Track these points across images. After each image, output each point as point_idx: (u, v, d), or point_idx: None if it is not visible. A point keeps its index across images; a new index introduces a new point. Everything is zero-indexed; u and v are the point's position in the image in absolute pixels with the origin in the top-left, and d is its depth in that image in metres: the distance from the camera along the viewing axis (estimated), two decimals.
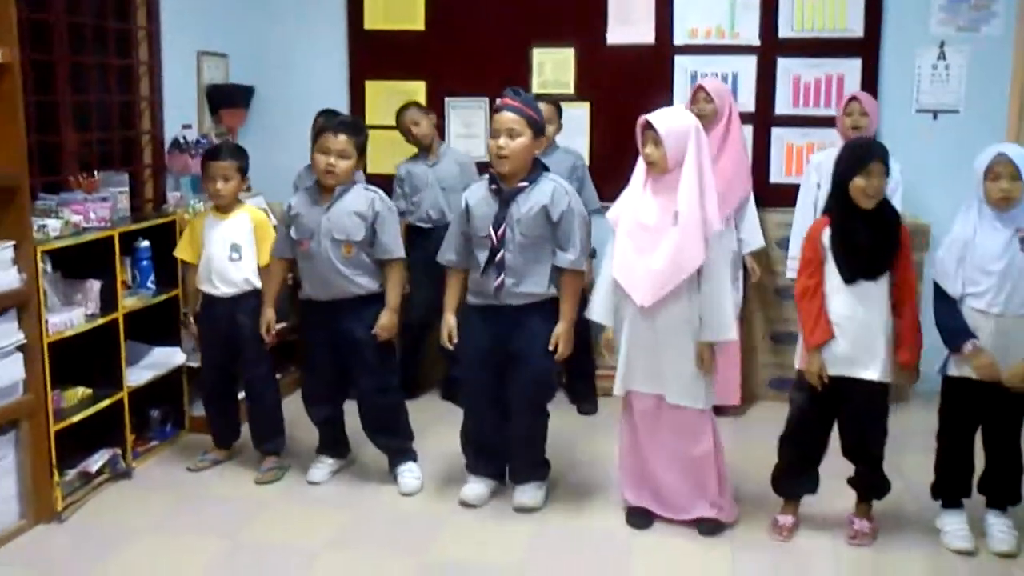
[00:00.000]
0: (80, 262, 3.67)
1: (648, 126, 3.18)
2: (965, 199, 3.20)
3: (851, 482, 3.35)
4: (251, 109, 5.30)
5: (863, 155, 3.12)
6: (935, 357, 3.26)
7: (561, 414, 4.56)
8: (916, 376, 3.21)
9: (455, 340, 3.53)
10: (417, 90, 5.15)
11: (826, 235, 3.18)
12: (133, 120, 4.56)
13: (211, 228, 3.84)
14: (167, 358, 4.13)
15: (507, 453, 3.61)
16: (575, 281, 3.43)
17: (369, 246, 3.62)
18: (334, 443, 3.90)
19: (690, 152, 3.16)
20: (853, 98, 4.42)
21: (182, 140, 4.66)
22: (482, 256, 3.40)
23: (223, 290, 3.81)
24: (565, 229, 3.37)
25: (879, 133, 4.71)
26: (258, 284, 3.83)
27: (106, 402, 3.72)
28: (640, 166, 3.28)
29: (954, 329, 3.14)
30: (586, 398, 4.67)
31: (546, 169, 3.46)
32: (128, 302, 3.86)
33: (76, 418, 3.57)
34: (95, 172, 3.99)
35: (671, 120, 3.18)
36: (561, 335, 3.41)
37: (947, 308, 3.17)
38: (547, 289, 3.40)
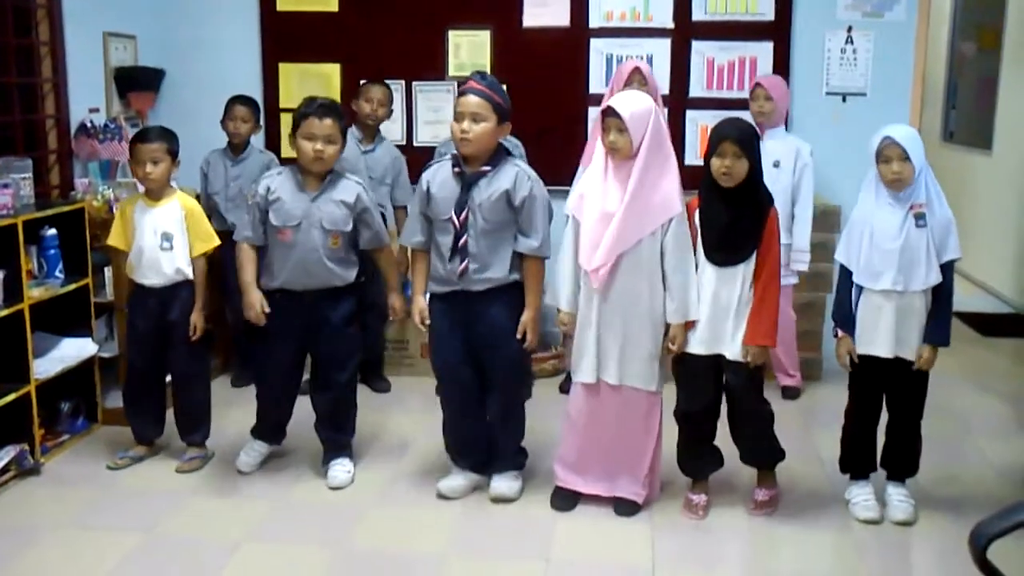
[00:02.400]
0: None
1: (611, 113, 3.18)
2: (866, 179, 3.30)
3: (742, 456, 3.44)
4: (161, 92, 5.18)
5: (714, 136, 3.19)
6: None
7: None
8: (763, 356, 3.26)
9: (428, 321, 3.48)
10: (332, 73, 5.10)
11: (696, 215, 3.27)
12: (36, 103, 4.41)
13: (141, 216, 3.71)
14: (78, 349, 4.02)
15: (487, 443, 3.58)
16: (538, 267, 3.42)
17: (352, 237, 3.58)
18: (273, 430, 3.83)
19: (648, 132, 3.17)
20: (758, 84, 4.50)
21: (89, 124, 4.53)
22: (444, 240, 3.37)
23: (154, 281, 3.70)
24: (527, 215, 3.36)
25: (790, 116, 4.83)
26: (190, 275, 3.72)
27: (11, 396, 3.61)
28: (599, 153, 3.27)
29: (839, 314, 3.32)
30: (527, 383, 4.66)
31: (509, 154, 3.44)
32: (34, 292, 3.74)
33: None
34: None
35: (633, 105, 3.18)
36: (528, 323, 3.40)
37: (841, 292, 3.32)
38: (508, 275, 3.38)
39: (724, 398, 3.36)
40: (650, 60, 4.97)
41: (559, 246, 3.42)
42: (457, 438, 3.60)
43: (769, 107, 4.43)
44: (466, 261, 3.34)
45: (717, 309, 3.23)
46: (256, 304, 3.56)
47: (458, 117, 3.30)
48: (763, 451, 3.41)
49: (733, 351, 3.24)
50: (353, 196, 3.55)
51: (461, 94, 3.33)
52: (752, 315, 3.21)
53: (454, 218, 3.33)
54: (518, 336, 3.40)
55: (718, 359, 3.28)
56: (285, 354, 3.68)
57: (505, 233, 3.37)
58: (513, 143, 4.48)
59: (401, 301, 3.70)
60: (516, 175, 3.35)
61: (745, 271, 3.21)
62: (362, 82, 4.68)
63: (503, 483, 3.54)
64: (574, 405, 3.45)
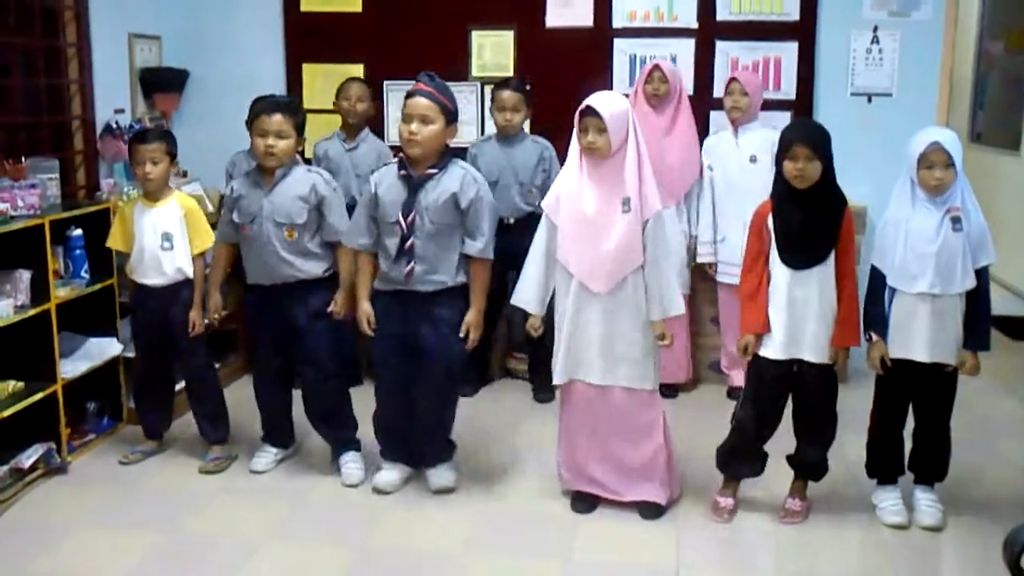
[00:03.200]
0: (8, 252, 3.57)
1: (589, 112, 3.16)
2: (899, 181, 3.26)
3: (791, 461, 3.41)
4: (186, 93, 5.20)
5: (784, 139, 3.18)
6: None
7: (518, 400, 4.64)
8: (846, 358, 3.26)
9: (374, 325, 3.49)
10: (355, 73, 5.08)
11: (770, 218, 3.23)
12: (62, 104, 4.44)
13: (141, 216, 3.75)
14: (103, 349, 4.05)
15: (415, 438, 3.61)
16: (484, 269, 3.45)
17: (315, 230, 3.59)
18: (278, 431, 3.86)
19: (631, 134, 3.17)
20: (733, 79, 4.47)
21: (115, 125, 4.56)
22: (391, 242, 3.38)
23: (156, 281, 3.74)
24: (473, 217, 3.38)
25: (815, 115, 4.79)
26: (191, 274, 3.75)
27: (39, 395, 3.64)
28: (574, 152, 3.26)
29: (872, 316, 3.26)
30: (543, 386, 4.66)
31: (456, 156, 3.45)
32: (61, 292, 3.77)
33: (7, 412, 3.48)
34: (23, 158, 3.88)
35: (611, 105, 3.17)
36: (472, 322, 3.43)
37: (873, 293, 3.27)
38: (455, 277, 3.41)
39: (793, 403, 3.33)
40: (674, 60, 4.94)
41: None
42: (390, 431, 3.62)
43: (745, 102, 4.41)
44: (412, 263, 3.35)
45: (794, 312, 3.20)
46: (216, 309, 3.74)
47: (406, 119, 3.32)
48: (818, 463, 3.37)
49: (815, 354, 3.20)
50: (308, 187, 3.56)
51: (409, 95, 3.34)
52: (841, 316, 3.18)
53: (401, 220, 3.34)
54: (461, 335, 3.41)
55: (791, 365, 3.24)
56: (266, 352, 3.73)
57: (451, 235, 3.39)
58: (543, 145, 4.48)
59: (344, 299, 3.66)
60: (463, 177, 3.37)
61: (822, 273, 3.18)
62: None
63: (441, 475, 3.59)
64: (563, 408, 3.46)
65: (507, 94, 4.47)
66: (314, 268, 3.60)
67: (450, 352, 3.44)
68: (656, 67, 4.41)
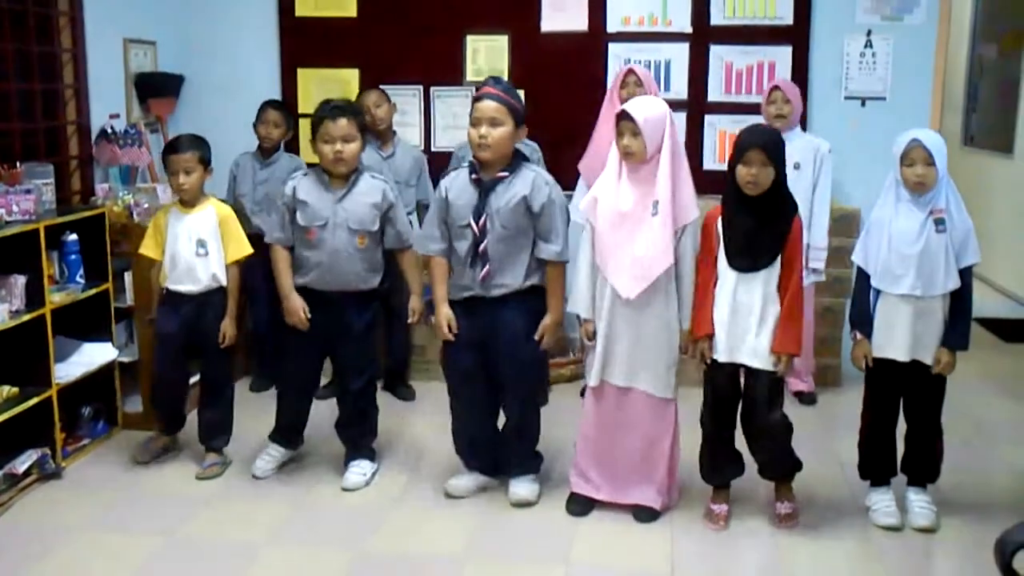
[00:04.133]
0: (4, 257, 3.57)
1: (625, 117, 3.17)
2: (884, 182, 3.28)
3: (759, 470, 3.41)
4: (181, 98, 5.20)
5: (740, 143, 3.17)
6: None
7: None
8: (788, 365, 3.23)
9: (455, 329, 3.43)
10: (350, 78, 5.11)
11: (719, 223, 3.24)
12: (57, 109, 4.44)
13: (176, 223, 3.74)
14: (98, 354, 4.04)
15: (498, 447, 3.59)
16: (560, 272, 3.42)
17: (380, 238, 3.60)
18: (291, 432, 3.85)
19: (666, 140, 3.18)
20: (776, 87, 4.48)
21: (109, 130, 4.56)
22: (462, 247, 3.37)
23: (189, 287, 3.71)
24: (547, 220, 3.35)
25: (809, 119, 4.81)
26: (224, 281, 3.74)
27: (34, 400, 3.64)
28: (614, 156, 3.27)
29: (856, 315, 3.30)
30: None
31: (526, 159, 3.43)
32: (56, 297, 3.77)
33: (1, 417, 3.48)
34: (17, 163, 3.88)
35: (648, 110, 3.18)
36: (549, 327, 3.40)
37: (859, 294, 3.29)
38: (524, 281, 3.38)
39: (741, 407, 3.34)
40: (668, 65, 4.96)
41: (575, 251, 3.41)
42: (468, 441, 3.60)
43: (788, 109, 4.42)
44: (487, 266, 3.33)
45: (737, 316, 3.21)
46: (298, 310, 3.58)
47: (475, 123, 3.30)
48: (780, 464, 3.37)
49: (756, 359, 3.22)
50: (379, 194, 3.57)
51: (477, 99, 3.32)
52: (781, 323, 3.19)
53: (472, 224, 3.33)
54: (536, 339, 3.40)
55: (738, 368, 3.26)
56: (306, 355, 3.70)
57: (522, 239, 3.36)
58: (532, 147, 4.49)
59: (421, 304, 3.69)
60: (533, 180, 3.34)
61: (767, 277, 3.19)
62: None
63: (522, 487, 3.54)
64: (586, 410, 3.46)
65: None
66: (375, 279, 3.62)
67: (528, 357, 3.42)
68: (630, 71, 4.41)
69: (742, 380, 3.30)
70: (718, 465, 3.42)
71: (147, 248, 3.81)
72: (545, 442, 3.66)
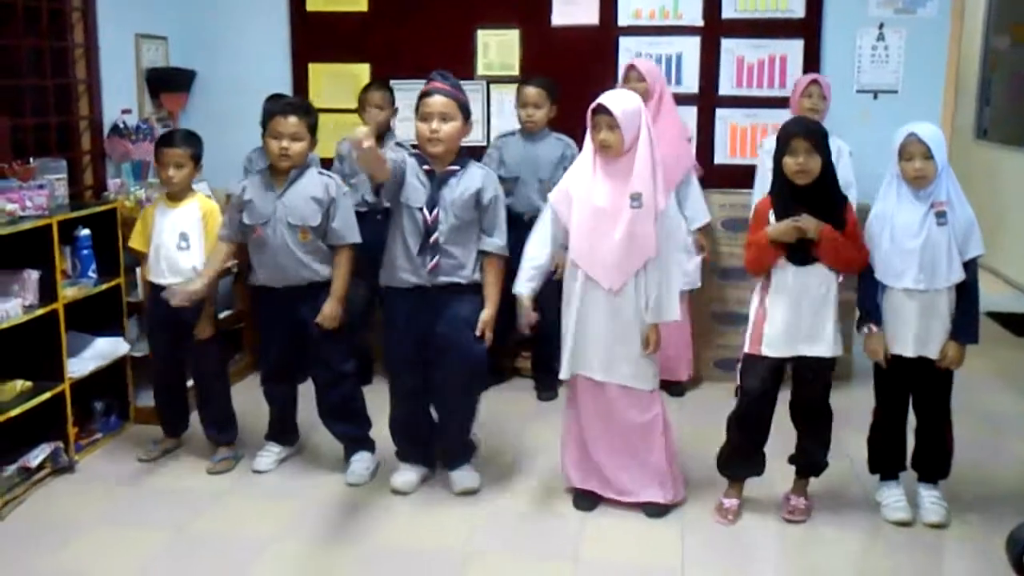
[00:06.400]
0: (17, 252, 3.59)
1: (601, 110, 3.18)
2: (886, 176, 3.27)
3: (792, 458, 3.41)
4: (192, 93, 5.22)
5: (783, 134, 3.17)
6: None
7: (522, 399, 4.64)
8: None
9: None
10: (361, 73, 5.11)
11: (771, 215, 3.23)
12: (70, 105, 4.46)
13: (161, 216, 3.77)
14: (110, 348, 4.07)
15: (435, 439, 3.64)
16: (501, 266, 3.46)
17: (325, 232, 3.59)
18: (282, 430, 3.88)
19: (643, 132, 3.18)
20: (814, 81, 4.47)
21: (122, 125, 4.58)
22: (412, 238, 3.38)
23: (171, 280, 3.72)
24: (492, 214, 3.42)
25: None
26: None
27: (47, 395, 3.66)
28: (587, 149, 3.28)
29: (865, 309, 3.27)
30: (547, 384, 4.67)
31: (470, 155, 3.47)
32: (68, 292, 3.79)
33: (15, 411, 3.50)
34: (31, 159, 3.90)
35: (624, 102, 3.18)
36: (487, 321, 3.43)
37: (866, 288, 3.28)
38: (472, 274, 3.42)
39: (792, 400, 3.33)
40: (679, 59, 4.95)
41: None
42: (407, 433, 3.64)
43: (823, 105, 4.43)
44: (437, 257, 3.36)
45: (798, 309, 3.20)
46: (192, 290, 3.50)
47: (426, 117, 3.33)
48: (818, 459, 3.36)
49: (816, 349, 3.20)
50: (322, 189, 3.57)
51: (425, 95, 3.35)
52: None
53: (425, 214, 3.34)
54: (477, 334, 3.42)
55: (786, 361, 3.25)
56: (274, 352, 3.74)
57: (470, 232, 3.41)
58: (566, 143, 4.48)
59: (333, 308, 3.55)
60: (484, 175, 3.42)
61: (826, 268, 3.19)
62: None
63: (464, 476, 3.59)
64: (567, 403, 3.48)
65: (529, 90, 4.50)
66: (327, 269, 3.61)
67: (471, 351, 3.44)
68: (632, 67, 4.41)
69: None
70: (744, 462, 3.40)
71: (135, 241, 3.85)
72: (543, 438, 3.69)
